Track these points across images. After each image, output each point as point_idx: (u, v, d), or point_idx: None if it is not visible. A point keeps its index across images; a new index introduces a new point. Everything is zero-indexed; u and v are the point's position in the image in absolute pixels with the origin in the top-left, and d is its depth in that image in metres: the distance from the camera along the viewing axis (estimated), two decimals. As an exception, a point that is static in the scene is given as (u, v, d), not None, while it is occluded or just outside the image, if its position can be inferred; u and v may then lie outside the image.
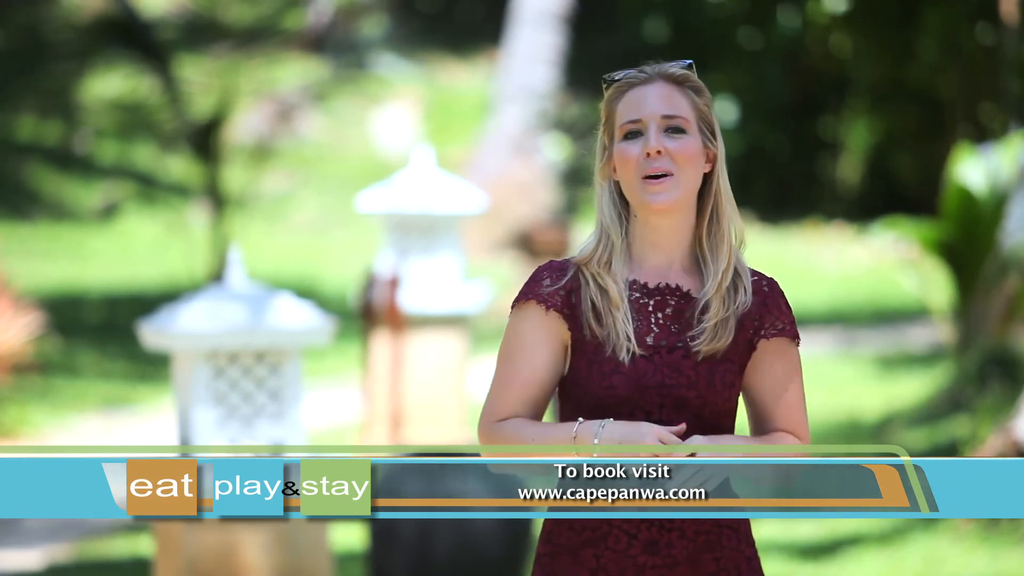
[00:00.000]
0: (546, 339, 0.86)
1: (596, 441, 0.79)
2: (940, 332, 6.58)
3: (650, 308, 0.87)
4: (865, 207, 11.21)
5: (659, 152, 0.84)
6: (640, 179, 0.85)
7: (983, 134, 10.11)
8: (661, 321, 0.87)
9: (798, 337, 0.90)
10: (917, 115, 11.87)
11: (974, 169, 6.10)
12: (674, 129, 0.85)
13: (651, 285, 0.88)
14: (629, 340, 0.84)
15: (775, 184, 12.18)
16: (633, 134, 0.86)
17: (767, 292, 0.90)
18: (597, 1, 12.28)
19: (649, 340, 0.85)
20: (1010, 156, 6.12)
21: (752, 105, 11.95)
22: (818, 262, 10.52)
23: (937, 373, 6.01)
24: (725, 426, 0.87)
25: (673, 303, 0.87)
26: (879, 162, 12.04)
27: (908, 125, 11.93)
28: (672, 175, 0.85)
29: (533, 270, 0.90)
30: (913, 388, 5.98)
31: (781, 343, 0.89)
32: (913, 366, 6.84)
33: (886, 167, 12.00)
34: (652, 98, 0.86)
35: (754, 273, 0.91)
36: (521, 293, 0.88)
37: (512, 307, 0.89)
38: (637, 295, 0.87)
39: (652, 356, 0.85)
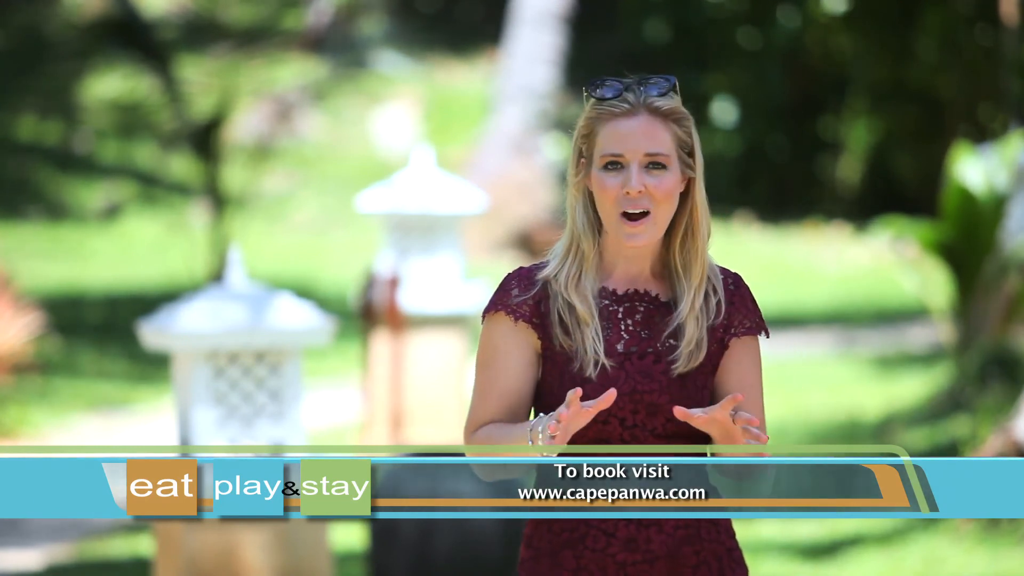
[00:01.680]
0: (518, 349, 0.88)
1: (540, 441, 0.80)
2: (940, 332, 6.58)
3: (619, 315, 0.88)
4: (865, 207, 11.21)
5: (640, 192, 0.86)
6: (619, 215, 0.86)
7: (983, 134, 10.10)
8: (631, 327, 0.88)
9: (766, 330, 0.92)
10: (917, 115, 11.87)
11: (974, 169, 6.10)
12: (655, 164, 0.86)
13: (620, 291, 0.89)
14: (597, 355, 0.85)
15: (775, 184, 12.18)
16: (614, 165, 0.87)
17: (734, 291, 0.91)
18: (597, 1, 12.27)
19: (619, 347, 0.87)
20: (1010, 156, 6.12)
21: (752, 105, 11.95)
22: (818, 262, 10.52)
23: (937, 373, 6.01)
24: (697, 428, 0.88)
25: (642, 309, 0.88)
26: (879, 162, 12.04)
27: (908, 125, 11.92)
28: (650, 213, 0.86)
29: (503, 278, 0.91)
30: (913, 388, 5.98)
31: (748, 340, 0.90)
32: (913, 366, 6.84)
33: (886, 167, 11.99)
34: (636, 134, 0.86)
35: (720, 271, 0.91)
36: (491, 303, 0.89)
37: (483, 316, 0.90)
38: (607, 302, 0.88)
39: (623, 363, 0.86)
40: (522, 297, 0.88)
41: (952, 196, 6.07)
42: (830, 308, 8.91)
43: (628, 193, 0.86)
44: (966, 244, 5.97)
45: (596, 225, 0.90)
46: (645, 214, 0.86)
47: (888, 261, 9.47)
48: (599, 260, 0.89)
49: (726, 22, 12.17)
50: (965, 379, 4.97)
